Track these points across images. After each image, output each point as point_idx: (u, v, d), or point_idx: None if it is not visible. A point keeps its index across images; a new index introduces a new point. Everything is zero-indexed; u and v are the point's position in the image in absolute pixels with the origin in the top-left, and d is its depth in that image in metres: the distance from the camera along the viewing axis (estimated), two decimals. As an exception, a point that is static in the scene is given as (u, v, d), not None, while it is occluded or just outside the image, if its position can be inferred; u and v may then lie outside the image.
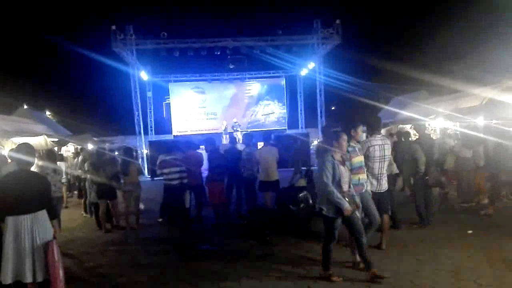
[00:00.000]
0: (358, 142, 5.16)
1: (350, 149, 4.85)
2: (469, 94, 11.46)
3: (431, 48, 26.31)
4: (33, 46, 40.71)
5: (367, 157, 5.27)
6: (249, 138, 8.55)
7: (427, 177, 6.60)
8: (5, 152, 9.12)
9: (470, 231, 6.26)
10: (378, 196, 5.38)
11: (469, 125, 9.97)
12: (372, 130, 5.52)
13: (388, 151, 5.38)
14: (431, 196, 6.81)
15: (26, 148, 4.25)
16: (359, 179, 4.89)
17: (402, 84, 21.71)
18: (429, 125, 12.64)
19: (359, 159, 4.96)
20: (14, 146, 10.36)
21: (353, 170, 4.80)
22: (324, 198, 4.46)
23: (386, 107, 20.84)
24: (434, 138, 10.05)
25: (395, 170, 7.16)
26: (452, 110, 11.18)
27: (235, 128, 21.96)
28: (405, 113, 14.64)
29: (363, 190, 4.97)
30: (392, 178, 6.74)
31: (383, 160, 5.31)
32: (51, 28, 42.66)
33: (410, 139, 8.90)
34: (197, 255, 5.93)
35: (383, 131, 7.92)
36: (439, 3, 37.48)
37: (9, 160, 6.47)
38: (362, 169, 4.97)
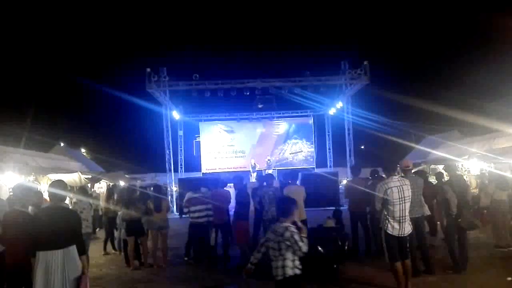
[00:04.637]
0: None
1: None
2: (504, 134, 11.16)
3: (462, 86, 25.92)
4: (71, 87, 42.98)
5: (386, 201, 5.17)
6: (266, 178, 8.48)
7: (459, 220, 6.34)
8: (42, 188, 9.49)
9: (509, 278, 5.91)
10: (400, 240, 5.22)
11: (504, 166, 9.64)
12: (389, 172, 5.50)
13: (408, 192, 5.28)
14: (466, 239, 6.52)
15: (59, 185, 4.43)
16: None
17: (432, 124, 21.38)
18: (462, 165, 12.28)
19: None
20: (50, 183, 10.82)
21: None
22: None
23: (418, 146, 20.51)
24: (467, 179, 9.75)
25: (427, 211, 6.97)
26: (486, 151, 10.88)
27: (266, 166, 22.12)
28: (437, 153, 14.33)
29: None
30: (423, 220, 6.56)
31: (403, 201, 5.19)
32: (89, 71, 45.12)
33: (442, 179, 8.71)
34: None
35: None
36: (470, 40, 37.36)
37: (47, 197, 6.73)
38: None
